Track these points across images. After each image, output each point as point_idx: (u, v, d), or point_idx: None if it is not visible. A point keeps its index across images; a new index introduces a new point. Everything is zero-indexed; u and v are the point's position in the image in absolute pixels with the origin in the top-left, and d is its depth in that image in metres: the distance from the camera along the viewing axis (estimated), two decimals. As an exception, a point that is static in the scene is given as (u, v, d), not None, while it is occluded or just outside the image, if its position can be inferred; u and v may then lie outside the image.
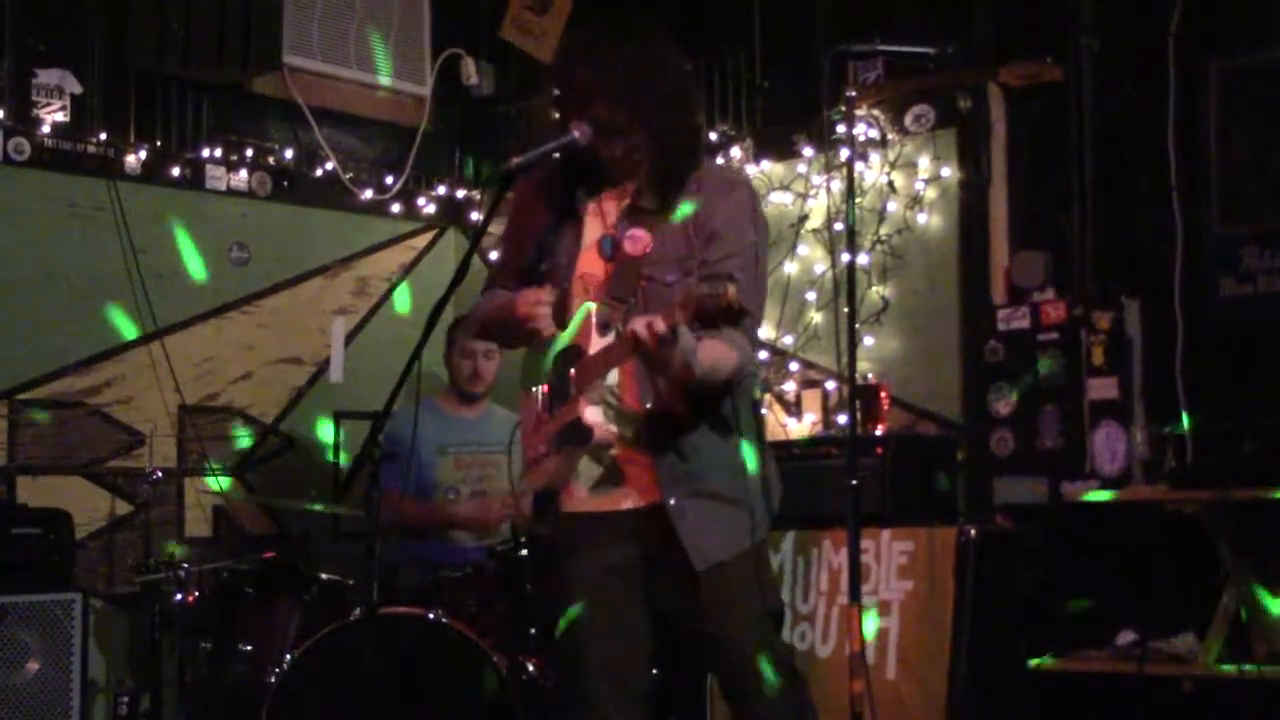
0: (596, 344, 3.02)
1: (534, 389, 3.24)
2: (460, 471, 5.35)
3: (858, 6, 5.49)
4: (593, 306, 3.07)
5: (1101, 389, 4.76)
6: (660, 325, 2.75)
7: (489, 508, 5.22)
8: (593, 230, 3.20)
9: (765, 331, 5.20)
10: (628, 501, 3.15)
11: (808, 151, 5.55)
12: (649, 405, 3.08)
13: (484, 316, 3.33)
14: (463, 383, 5.40)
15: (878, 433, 4.87)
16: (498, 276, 3.38)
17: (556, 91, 3.18)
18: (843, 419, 5.26)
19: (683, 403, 3.08)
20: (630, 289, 3.09)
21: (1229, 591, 4.35)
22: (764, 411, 5.39)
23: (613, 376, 3.03)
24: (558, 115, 3.16)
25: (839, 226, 5.21)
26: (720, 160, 5.58)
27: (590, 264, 3.18)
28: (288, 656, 4.27)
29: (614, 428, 3.07)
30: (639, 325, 2.77)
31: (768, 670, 3.14)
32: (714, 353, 2.96)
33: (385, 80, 6.24)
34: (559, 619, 3.24)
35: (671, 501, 3.09)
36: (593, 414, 3.01)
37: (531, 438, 3.22)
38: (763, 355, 5.51)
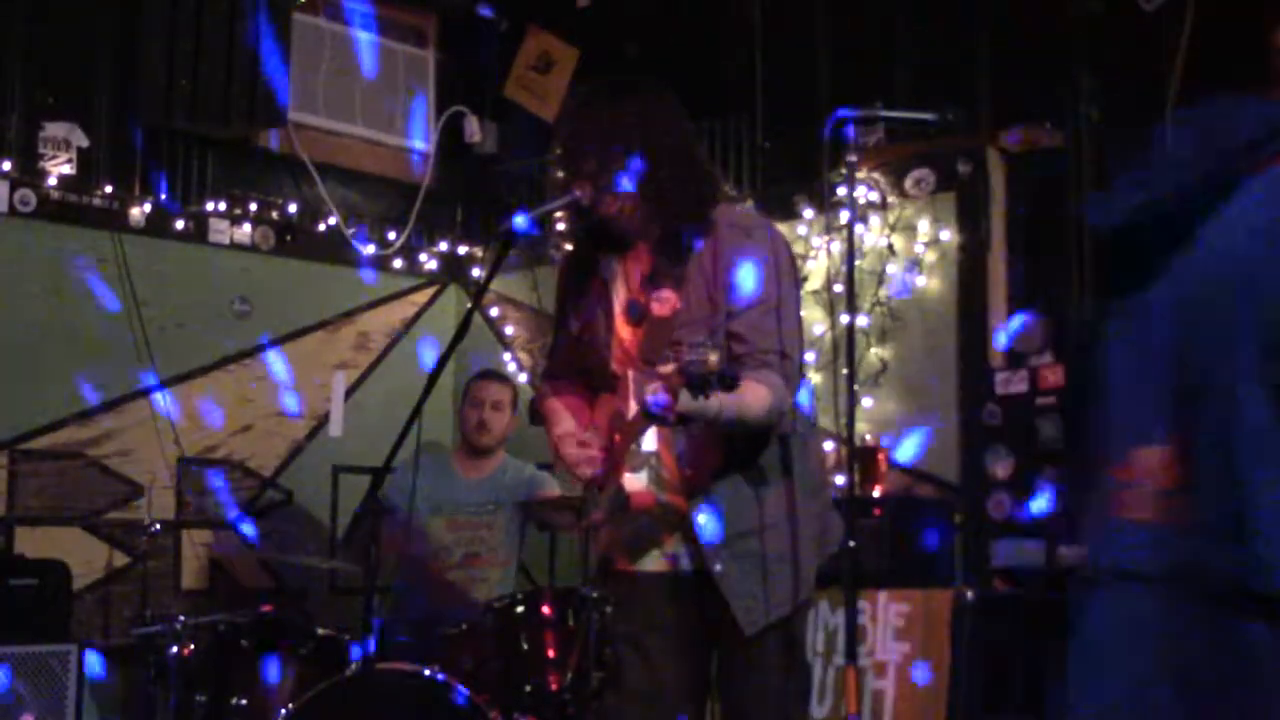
0: (633, 411, 3.03)
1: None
2: (453, 534, 5.23)
3: (859, 70, 5.54)
4: (631, 375, 3.07)
5: (1099, 453, 4.75)
6: (663, 398, 2.74)
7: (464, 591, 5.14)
8: (621, 295, 3.20)
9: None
10: (676, 564, 3.14)
11: (808, 213, 5.59)
12: (684, 466, 3.08)
13: (539, 416, 3.40)
14: (470, 433, 5.28)
15: (876, 494, 4.88)
16: (551, 362, 3.39)
17: (559, 151, 3.19)
18: (841, 480, 5.26)
19: (717, 453, 3.07)
20: (660, 352, 3.08)
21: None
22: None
23: (652, 443, 3.02)
24: (561, 175, 3.15)
25: (839, 288, 5.25)
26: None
27: (622, 330, 3.18)
28: (283, 712, 4.25)
29: (657, 492, 3.06)
30: (647, 397, 2.79)
31: None
32: (742, 395, 2.87)
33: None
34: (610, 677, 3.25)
35: (717, 567, 3.06)
36: (632, 481, 3.02)
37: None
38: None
